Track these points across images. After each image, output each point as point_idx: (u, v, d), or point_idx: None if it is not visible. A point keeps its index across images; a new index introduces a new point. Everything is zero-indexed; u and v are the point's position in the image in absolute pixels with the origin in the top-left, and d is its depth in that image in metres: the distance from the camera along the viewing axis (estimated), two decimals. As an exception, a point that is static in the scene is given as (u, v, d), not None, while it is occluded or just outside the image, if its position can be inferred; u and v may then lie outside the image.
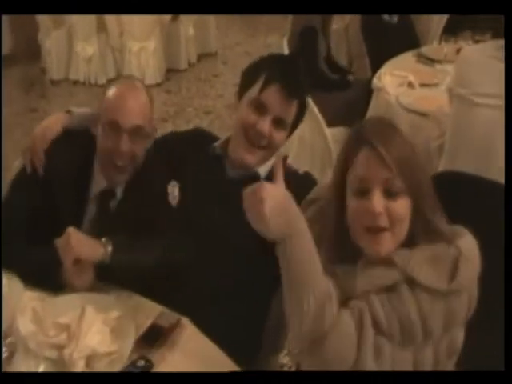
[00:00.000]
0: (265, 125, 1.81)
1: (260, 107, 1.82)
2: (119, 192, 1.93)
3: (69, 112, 1.97)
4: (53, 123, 1.93)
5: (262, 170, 1.89)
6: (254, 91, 1.83)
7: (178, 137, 2.12)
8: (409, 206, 1.38)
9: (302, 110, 1.89)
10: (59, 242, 1.69)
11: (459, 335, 1.45)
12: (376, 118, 1.49)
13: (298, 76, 1.86)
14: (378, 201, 1.35)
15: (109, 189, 1.92)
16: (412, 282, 1.36)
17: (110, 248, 1.71)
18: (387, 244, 1.38)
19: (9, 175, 2.13)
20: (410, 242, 1.41)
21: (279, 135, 1.85)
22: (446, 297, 1.36)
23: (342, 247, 1.46)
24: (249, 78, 1.88)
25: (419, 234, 1.41)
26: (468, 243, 1.41)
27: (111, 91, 1.87)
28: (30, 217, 1.87)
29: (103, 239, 1.73)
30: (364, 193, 1.37)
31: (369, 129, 1.42)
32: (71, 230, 1.70)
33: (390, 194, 1.36)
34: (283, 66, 1.88)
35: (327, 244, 1.49)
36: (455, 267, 1.35)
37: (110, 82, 1.92)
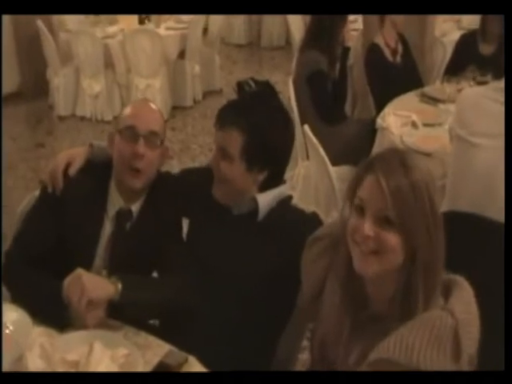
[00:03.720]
0: (213, 156, 1.90)
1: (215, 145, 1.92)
2: (135, 211, 1.97)
3: (91, 145, 2.05)
4: (76, 152, 2.03)
5: (262, 209, 1.91)
6: None
7: (191, 172, 2.18)
8: (399, 243, 1.38)
9: (252, 142, 1.83)
10: (69, 285, 1.68)
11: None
12: (388, 149, 1.50)
13: (232, 110, 1.88)
14: (369, 225, 1.39)
15: (125, 208, 1.96)
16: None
17: (119, 286, 1.72)
18: (373, 267, 1.41)
19: (16, 209, 2.17)
20: (407, 311, 1.39)
21: (225, 166, 1.85)
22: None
23: (351, 282, 1.49)
24: None
25: (417, 293, 1.37)
26: (463, 303, 1.38)
27: (128, 108, 2.00)
28: (42, 248, 1.90)
29: (112, 278, 1.74)
30: (360, 213, 1.42)
31: (377, 158, 1.46)
32: (81, 271, 1.70)
33: (382, 222, 1.39)
34: (228, 107, 1.91)
35: (336, 281, 1.53)
36: (457, 342, 1.32)
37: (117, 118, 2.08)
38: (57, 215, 1.93)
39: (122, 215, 1.97)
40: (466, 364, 1.35)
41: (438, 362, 1.32)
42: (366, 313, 1.46)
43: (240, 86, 1.90)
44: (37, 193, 2.06)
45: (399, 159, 1.42)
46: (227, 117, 1.86)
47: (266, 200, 1.90)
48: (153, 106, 2.03)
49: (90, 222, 1.95)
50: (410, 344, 1.33)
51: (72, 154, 2.01)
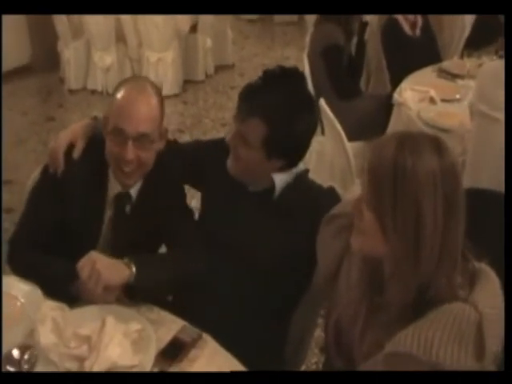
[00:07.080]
0: (232, 136, 1.82)
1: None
2: (134, 195, 1.91)
3: (95, 118, 1.96)
4: (78, 129, 1.92)
5: (278, 185, 1.86)
6: None
7: (203, 145, 2.11)
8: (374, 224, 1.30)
9: (274, 133, 1.75)
10: (83, 270, 1.61)
11: None
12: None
13: (255, 96, 1.78)
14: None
15: (124, 192, 1.90)
16: (439, 367, 1.24)
17: (134, 269, 1.67)
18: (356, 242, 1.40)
19: (26, 183, 2.12)
20: (418, 306, 1.30)
21: (244, 150, 1.79)
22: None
23: (368, 264, 1.44)
24: None
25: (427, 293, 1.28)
26: (488, 296, 1.28)
27: (120, 93, 1.80)
28: (48, 224, 1.85)
29: (125, 260, 1.69)
30: None
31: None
32: (95, 254, 1.65)
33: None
34: (250, 92, 1.81)
35: (353, 261, 1.48)
36: (480, 338, 1.22)
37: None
38: (58, 197, 1.85)
39: (121, 199, 1.90)
40: (490, 363, 1.25)
41: (459, 359, 1.21)
42: (382, 298, 1.38)
43: (266, 73, 1.80)
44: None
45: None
46: (250, 103, 1.77)
47: (282, 178, 1.86)
48: (149, 91, 1.80)
49: (92, 204, 1.88)
50: (430, 338, 1.23)
51: (74, 133, 1.90)
